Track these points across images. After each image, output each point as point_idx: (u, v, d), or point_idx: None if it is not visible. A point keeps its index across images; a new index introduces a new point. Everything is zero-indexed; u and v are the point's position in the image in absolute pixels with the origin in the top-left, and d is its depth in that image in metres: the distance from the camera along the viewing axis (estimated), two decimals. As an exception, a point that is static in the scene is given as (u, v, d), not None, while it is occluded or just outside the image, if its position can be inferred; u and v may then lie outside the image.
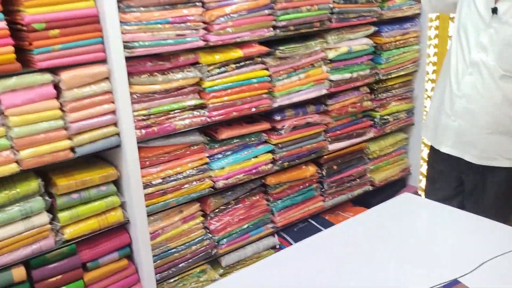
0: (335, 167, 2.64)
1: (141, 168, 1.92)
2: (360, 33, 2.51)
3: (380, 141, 2.82)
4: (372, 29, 2.55)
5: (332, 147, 2.58)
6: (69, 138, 1.69)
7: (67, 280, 1.81)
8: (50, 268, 1.77)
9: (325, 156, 2.58)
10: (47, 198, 1.72)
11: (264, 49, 2.13)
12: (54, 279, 1.78)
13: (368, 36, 2.56)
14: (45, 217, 1.71)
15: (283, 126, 2.34)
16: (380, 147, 2.81)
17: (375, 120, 2.76)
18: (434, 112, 2.02)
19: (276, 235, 2.50)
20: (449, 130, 1.91)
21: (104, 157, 1.98)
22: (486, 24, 1.72)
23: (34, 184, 1.67)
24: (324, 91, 2.44)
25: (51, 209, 1.75)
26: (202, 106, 2.07)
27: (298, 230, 2.52)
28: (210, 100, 2.05)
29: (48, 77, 1.60)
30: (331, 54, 2.42)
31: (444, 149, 1.95)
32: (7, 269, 1.66)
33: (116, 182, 1.91)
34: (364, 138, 2.72)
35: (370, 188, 2.83)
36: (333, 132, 2.58)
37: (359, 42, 2.51)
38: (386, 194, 2.72)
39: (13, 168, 1.57)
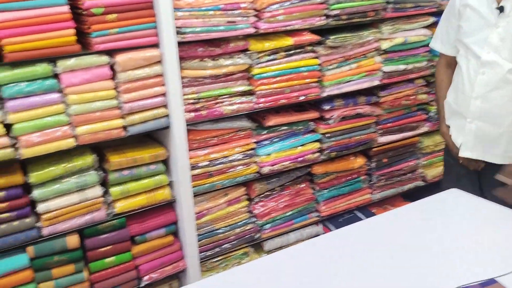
0: (385, 160, 2.58)
1: (189, 150, 1.99)
2: (417, 23, 2.42)
3: (434, 136, 2.72)
4: (431, 20, 2.45)
5: (383, 139, 2.53)
6: (122, 117, 1.79)
7: (116, 251, 1.93)
8: (101, 239, 1.89)
9: (374, 148, 2.53)
10: (100, 173, 1.83)
11: (315, 37, 2.13)
12: (104, 248, 1.90)
13: (426, 27, 2.47)
14: (98, 191, 1.83)
15: (332, 116, 2.32)
16: (434, 142, 2.71)
17: (430, 114, 2.66)
18: (450, 116, 1.94)
19: (320, 224, 2.50)
20: (467, 133, 1.83)
21: (155, 137, 2.07)
22: (492, 24, 1.69)
23: (89, 159, 1.80)
24: (376, 82, 2.39)
25: (104, 184, 1.87)
26: (250, 93, 2.10)
27: (343, 221, 2.50)
28: (258, 87, 2.08)
29: (104, 59, 1.70)
30: (385, 45, 2.36)
31: (464, 153, 1.86)
32: (62, 236, 1.79)
33: (165, 162, 2.00)
34: (417, 132, 2.63)
35: (422, 183, 2.74)
36: (384, 124, 2.52)
37: (416, 33, 2.43)
38: (438, 191, 2.62)
39: (70, 142, 1.70)
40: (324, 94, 2.25)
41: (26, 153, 1.61)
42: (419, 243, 1.35)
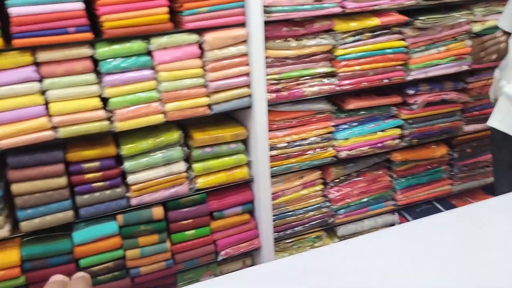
0: (469, 150, 2.45)
1: (269, 131, 2.00)
2: (515, 4, 2.25)
3: (526, 126, 2.53)
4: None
5: (468, 128, 2.40)
6: (207, 95, 1.83)
7: (196, 225, 1.99)
8: (183, 212, 1.96)
9: (458, 137, 2.41)
10: (185, 149, 1.90)
11: (403, 18, 2.04)
12: (185, 222, 1.97)
13: (524, 8, 2.29)
14: (182, 166, 1.90)
15: (416, 101, 2.24)
16: (525, 133, 2.53)
17: (523, 102, 2.48)
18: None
19: (396, 213, 2.43)
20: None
21: (234, 117, 2.11)
22: None
23: (176, 135, 1.86)
24: (465, 67, 2.27)
25: (187, 159, 1.93)
26: (332, 74, 2.07)
27: (420, 211, 2.42)
28: (341, 68, 2.04)
29: (194, 37, 1.75)
30: (476, 27, 2.22)
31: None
32: (148, 207, 1.88)
33: (245, 142, 2.03)
34: (506, 121, 2.47)
35: (508, 177, 2.57)
36: (470, 113, 2.39)
37: None
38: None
39: (160, 118, 1.77)
40: (409, 78, 2.16)
41: (120, 126, 1.70)
42: (504, 242, 1.27)
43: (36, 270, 1.75)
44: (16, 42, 1.50)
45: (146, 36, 1.67)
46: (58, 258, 1.78)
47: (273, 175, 2.08)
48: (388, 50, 2.08)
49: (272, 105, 2.01)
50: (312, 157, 2.16)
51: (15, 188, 1.66)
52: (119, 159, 1.82)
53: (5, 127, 1.56)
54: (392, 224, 2.42)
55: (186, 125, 1.97)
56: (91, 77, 1.63)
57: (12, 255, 1.71)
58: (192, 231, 2.00)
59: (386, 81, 2.12)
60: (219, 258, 2.07)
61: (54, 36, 1.53)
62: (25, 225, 1.70)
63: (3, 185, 1.67)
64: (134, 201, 1.85)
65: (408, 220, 2.39)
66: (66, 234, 1.81)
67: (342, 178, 2.28)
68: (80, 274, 0.62)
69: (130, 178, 1.82)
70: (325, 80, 2.06)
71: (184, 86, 1.77)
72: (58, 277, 0.61)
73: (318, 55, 2.01)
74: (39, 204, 1.70)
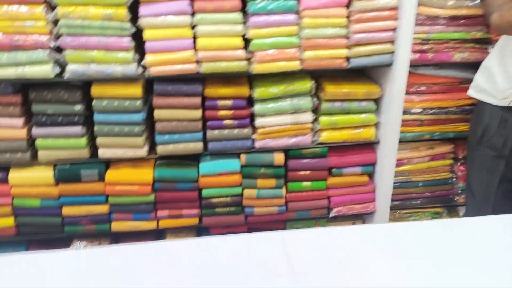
0: None
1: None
2: None
3: None
4: None
5: None
6: (347, 48, 1.77)
7: (313, 178, 2.00)
8: (303, 163, 1.97)
9: None
10: (315, 100, 1.88)
11: None
12: (303, 172, 1.99)
13: None
14: (309, 116, 1.89)
15: None
16: None
17: None
18: None
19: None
20: None
21: (369, 75, 2.02)
22: None
23: (308, 84, 1.84)
24: None
25: (315, 111, 1.92)
26: (486, 41, 1.86)
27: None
28: (498, 36, 1.82)
29: (342, -15, 1.68)
30: None
31: None
32: (271, 152, 1.93)
33: (376, 101, 1.94)
34: None
35: None
36: None
37: None
38: None
39: (296, 65, 1.76)
40: None
41: (257, 68, 1.73)
42: None
43: (165, 191, 1.92)
44: (176, -25, 1.57)
45: (295, -21, 1.64)
46: (184, 184, 1.92)
47: (400, 141, 1.98)
48: None
49: (413, 67, 1.88)
50: (447, 128, 2.00)
51: (157, 113, 1.80)
52: (250, 101, 1.86)
53: (157, 56, 1.67)
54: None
55: (318, 77, 1.94)
56: (238, 16, 1.66)
57: (146, 174, 1.88)
58: (309, 183, 2.01)
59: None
60: (331, 215, 2.06)
61: (210, -28, 1.57)
62: (160, 149, 1.85)
63: (146, 109, 1.82)
64: (258, 144, 1.90)
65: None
66: (193, 164, 1.94)
67: (476, 156, 2.10)
68: None
69: (258, 121, 1.86)
70: (478, 46, 1.86)
71: (326, 35, 1.72)
72: None
73: (475, 18, 1.81)
74: (175, 132, 1.83)
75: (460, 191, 2.13)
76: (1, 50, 1.59)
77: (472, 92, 1.74)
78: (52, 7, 1.60)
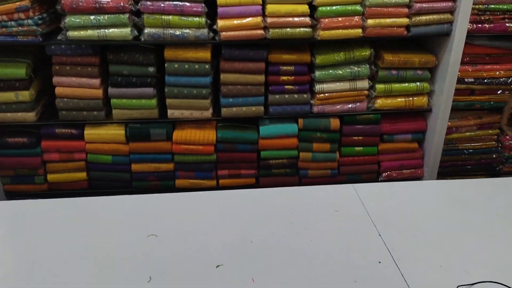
0: None
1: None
2: None
3: None
4: None
5: None
6: (408, 17, 1.84)
7: (366, 143, 2.10)
8: (357, 128, 2.07)
9: None
10: (372, 67, 1.96)
11: None
12: (357, 138, 2.08)
13: None
14: (366, 84, 1.97)
15: None
16: None
17: None
18: None
19: None
20: None
21: (424, 45, 2.09)
22: None
23: (367, 52, 1.92)
24: None
25: (372, 78, 2.00)
26: (543, 13, 1.91)
27: None
28: (556, 7, 1.87)
29: (407, -45, 1.74)
30: None
31: None
32: (327, 117, 2.02)
33: (431, 70, 2.01)
34: None
35: None
36: None
37: None
38: None
39: (358, 33, 1.84)
40: None
41: (322, 35, 1.81)
42: None
43: (226, 152, 2.03)
44: None
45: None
46: (244, 146, 2.03)
47: (452, 109, 2.06)
48: None
49: (469, 37, 1.94)
50: (497, 98, 2.07)
51: (223, 77, 1.90)
52: (310, 67, 1.95)
53: (228, 21, 1.76)
54: None
55: (376, 45, 2.01)
56: (306, -16, 1.74)
57: (210, 135, 2.00)
58: (361, 148, 2.11)
59: None
60: (380, 179, 2.17)
61: None
62: (225, 111, 1.96)
63: (213, 73, 1.92)
64: (316, 109, 1.99)
65: None
66: (252, 127, 2.05)
67: (523, 127, 2.17)
68: None
69: (317, 87, 1.95)
70: (535, 18, 1.91)
71: (389, 3, 1.79)
72: None
73: (533, -11, 1.86)
74: (239, 95, 1.93)
75: (504, 160, 2.21)
76: (85, 13, 1.70)
77: None
78: (133, -27, 1.70)
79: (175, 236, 1.08)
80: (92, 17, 1.70)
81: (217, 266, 0.99)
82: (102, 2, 1.68)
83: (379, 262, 1.00)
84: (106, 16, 1.71)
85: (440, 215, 1.16)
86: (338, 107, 2.01)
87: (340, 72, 1.94)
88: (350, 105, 2.01)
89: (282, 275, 0.96)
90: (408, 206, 1.19)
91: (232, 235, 1.08)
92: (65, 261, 1.00)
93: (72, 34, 1.72)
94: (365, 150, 2.11)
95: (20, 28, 1.69)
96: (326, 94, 1.97)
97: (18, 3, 1.65)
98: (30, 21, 1.68)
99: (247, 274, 0.96)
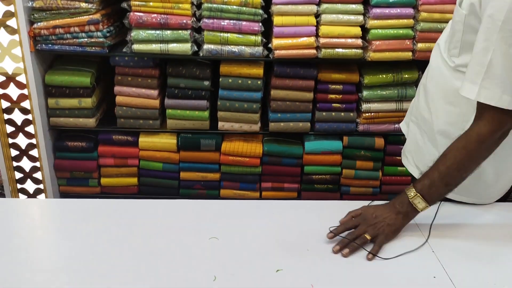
0: None
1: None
2: None
3: None
4: None
5: None
6: (458, 42, 1.88)
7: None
8: (400, 148, 2.09)
9: None
10: (419, 89, 2.00)
11: None
12: (400, 158, 2.11)
13: None
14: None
15: None
16: None
17: None
18: None
19: None
20: None
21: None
22: None
23: (415, 74, 1.97)
24: None
25: (418, 101, 2.04)
26: None
27: None
28: None
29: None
30: None
31: None
32: (372, 136, 2.07)
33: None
34: None
35: None
36: None
37: None
38: None
39: (407, 55, 1.89)
40: None
41: (372, 56, 1.87)
42: None
43: (271, 165, 2.10)
44: (310, -33, 1.74)
45: (417, -23, 1.78)
46: (289, 160, 2.10)
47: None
48: None
49: None
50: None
51: (274, 93, 1.98)
52: (358, 87, 2.01)
53: (282, 40, 1.85)
54: None
55: (422, 67, 2.06)
56: (360, 7, 1.81)
57: (257, 148, 2.07)
58: (404, 168, 2.13)
59: None
60: (422, 199, 2.18)
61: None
62: (272, 126, 2.03)
63: (262, 89, 2.00)
64: (361, 127, 2.05)
65: None
66: (297, 142, 2.12)
67: None
68: None
69: (364, 106, 2.01)
70: None
71: (440, 28, 1.84)
72: None
73: None
74: (287, 111, 2.00)
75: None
76: (150, 27, 1.81)
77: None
78: (196, -8, 1.81)
79: (235, 239, 1.14)
80: (156, 32, 1.82)
81: (277, 271, 1.05)
82: (167, 18, 1.80)
83: (434, 277, 1.03)
84: (169, 31, 1.82)
85: (495, 234, 1.19)
86: (383, 126, 2.05)
87: (387, 92, 1.99)
88: (395, 125, 2.05)
89: (340, 283, 1.01)
90: (463, 227, 1.22)
91: (289, 242, 1.13)
92: (131, 258, 1.06)
93: (137, 47, 1.84)
94: (407, 170, 2.14)
95: (89, 39, 1.82)
96: (372, 114, 2.02)
97: (90, 16, 1.78)
98: (99, 34, 1.81)
99: (306, 280, 1.02)
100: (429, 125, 1.25)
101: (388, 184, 2.17)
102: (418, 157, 1.33)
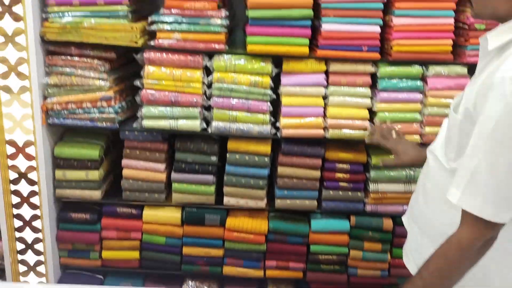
0: None
1: None
2: None
3: None
4: None
5: None
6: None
7: (418, 246, 2.06)
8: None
9: None
10: (428, 171, 1.98)
11: None
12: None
13: None
14: (421, 187, 1.99)
15: None
16: None
17: None
18: None
19: None
20: None
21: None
22: None
23: (423, 157, 1.96)
24: None
25: (426, 182, 2.01)
26: None
27: None
28: None
29: (465, 70, 1.82)
30: None
31: None
32: (380, 217, 2.03)
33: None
34: None
35: None
36: None
37: None
38: None
39: (416, 139, 1.89)
40: None
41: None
42: None
43: (276, 243, 2.05)
44: (320, 52, 1.79)
45: (424, 63, 1.81)
46: (295, 238, 2.05)
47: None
48: None
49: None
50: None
51: (281, 170, 1.97)
52: (366, 167, 2.00)
53: (291, 119, 1.87)
54: None
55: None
56: (367, 91, 1.85)
57: (262, 224, 2.03)
58: (413, 251, 2.07)
59: None
60: (432, 284, 2.09)
61: (349, 52, 1.78)
62: (279, 203, 2.01)
63: (269, 166, 2.00)
64: (369, 208, 2.01)
65: None
66: (303, 219, 2.08)
67: None
68: None
69: (372, 186, 1.99)
70: None
71: (446, 113, 1.85)
72: None
73: None
74: (294, 188, 1.98)
75: None
76: (162, 105, 1.85)
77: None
78: (207, 72, 1.86)
79: None
80: (166, 108, 1.85)
81: None
82: (178, 96, 1.83)
83: None
84: (179, 108, 1.85)
85: None
86: (391, 207, 2.02)
87: (395, 174, 1.97)
88: (404, 207, 2.01)
89: None
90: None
91: None
92: None
93: (147, 123, 1.86)
94: (416, 255, 2.07)
95: (100, 115, 1.85)
96: (380, 194, 1.99)
97: (103, 93, 1.82)
98: (111, 109, 1.85)
99: None
100: (429, 225, 1.22)
101: (398, 267, 2.09)
102: (418, 256, 1.28)
